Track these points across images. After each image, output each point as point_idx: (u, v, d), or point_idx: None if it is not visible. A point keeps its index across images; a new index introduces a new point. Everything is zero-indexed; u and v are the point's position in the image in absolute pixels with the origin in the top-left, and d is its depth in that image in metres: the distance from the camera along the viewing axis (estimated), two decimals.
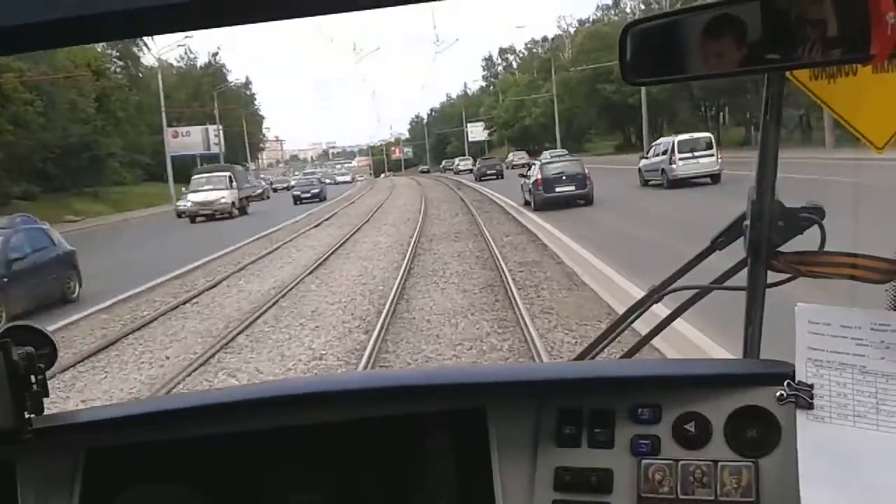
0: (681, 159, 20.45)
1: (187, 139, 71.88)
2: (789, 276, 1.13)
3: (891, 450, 0.89)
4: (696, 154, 20.41)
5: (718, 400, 1.02)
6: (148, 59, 68.40)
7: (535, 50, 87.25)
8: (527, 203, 19.08)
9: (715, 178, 19.39)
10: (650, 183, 21.36)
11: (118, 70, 61.53)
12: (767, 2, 0.91)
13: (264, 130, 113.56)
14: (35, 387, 1.04)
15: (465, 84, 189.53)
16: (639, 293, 1.70)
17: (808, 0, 0.91)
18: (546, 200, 18.14)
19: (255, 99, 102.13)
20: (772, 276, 1.15)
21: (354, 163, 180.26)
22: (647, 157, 22.71)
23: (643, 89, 23.40)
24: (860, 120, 1.38)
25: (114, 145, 45.68)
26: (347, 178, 69.59)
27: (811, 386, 0.96)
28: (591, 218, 15.33)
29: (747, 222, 1.15)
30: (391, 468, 1.07)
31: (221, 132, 68.19)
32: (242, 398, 1.19)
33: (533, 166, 20.85)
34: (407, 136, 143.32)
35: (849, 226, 1.25)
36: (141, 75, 78.81)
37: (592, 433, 1.04)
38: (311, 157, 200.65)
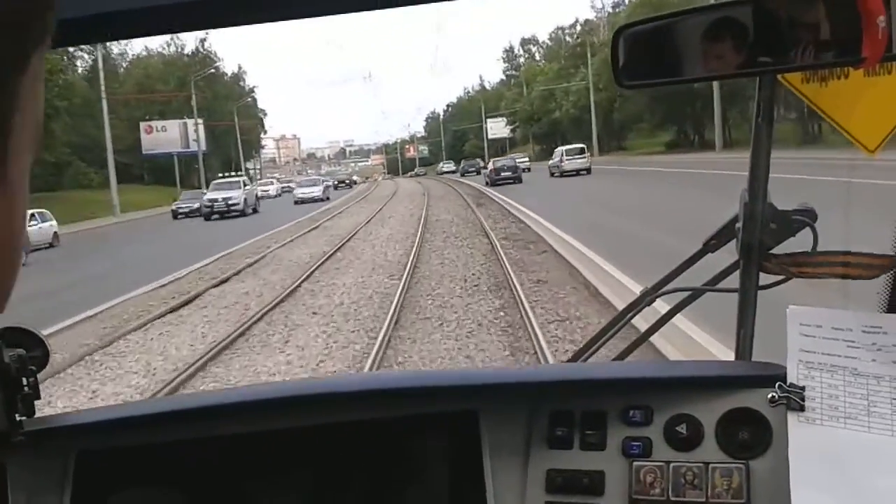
0: (567, 160, 37.04)
1: (163, 135, 59.02)
2: (782, 277, 1.17)
3: (882, 452, 0.92)
4: (575, 157, 36.71)
5: (710, 402, 1.04)
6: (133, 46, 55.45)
7: (562, 35, 74.12)
8: (486, 183, 34.35)
9: (588, 170, 34.87)
10: (553, 175, 36.72)
11: (86, 58, 49.04)
12: (760, 5, 0.95)
13: (267, 128, 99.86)
14: (27, 389, 1.06)
15: (481, 77, 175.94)
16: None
17: (800, 4, 0.95)
18: (494, 181, 33.98)
19: (254, 93, 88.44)
20: (764, 279, 1.19)
21: (370, 161, 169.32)
22: (552, 160, 39.48)
23: None
24: (852, 123, 1.39)
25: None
26: (316, 191, 41.98)
27: (802, 388, 0.98)
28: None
29: (739, 224, 1.18)
30: (383, 471, 1.11)
31: (201, 127, 55.17)
32: (234, 401, 1.22)
33: (490, 162, 40.78)
34: (423, 133, 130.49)
35: (841, 225, 1.29)
36: (127, 65, 65.25)
37: (584, 435, 1.07)
38: (329, 155, 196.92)
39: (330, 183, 56.30)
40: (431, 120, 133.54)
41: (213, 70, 66.16)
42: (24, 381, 1.05)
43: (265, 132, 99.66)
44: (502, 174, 35.07)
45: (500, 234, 14.09)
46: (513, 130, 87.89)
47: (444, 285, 9.54)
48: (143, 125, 60.77)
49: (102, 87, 45.10)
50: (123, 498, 1.11)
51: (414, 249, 12.93)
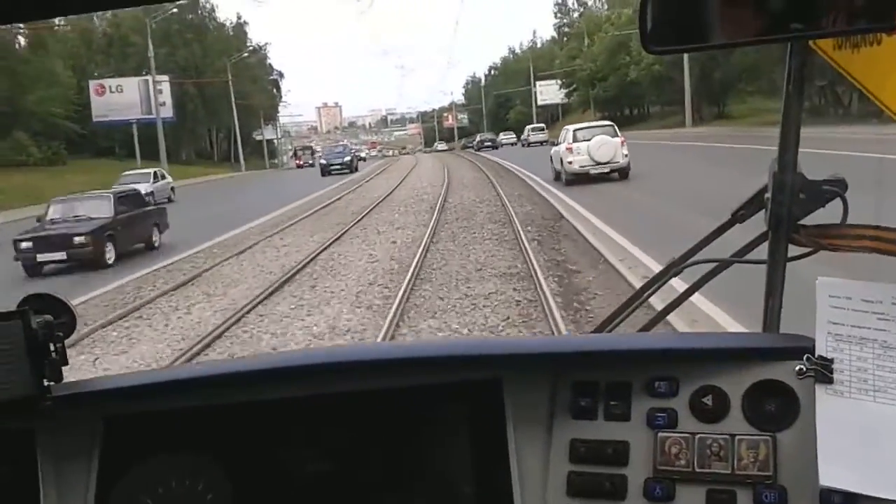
0: (532, 134, 57.93)
1: (118, 98, 41.40)
2: (810, 249, 1.20)
3: None
4: (538, 133, 56.93)
5: (737, 373, 1.08)
6: None
7: None
8: (475, 150, 67.10)
9: (545, 143, 45.61)
10: (523, 146, 58.97)
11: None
12: None
13: (284, 93, 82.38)
14: (54, 355, 1.14)
15: (534, 31, 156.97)
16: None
17: None
18: (479, 148, 67.18)
19: (263, 49, 70.59)
20: (793, 251, 1.23)
21: (407, 130, 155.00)
22: (523, 135, 62.84)
23: None
24: (885, 91, 1.35)
25: None
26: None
27: (831, 360, 1.00)
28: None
29: (768, 195, 1.21)
30: (407, 439, 1.17)
31: (166, 86, 38.06)
32: (260, 368, 1.28)
33: (477, 136, 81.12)
34: (462, 100, 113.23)
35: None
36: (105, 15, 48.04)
37: (608, 406, 1.11)
38: (369, 124, 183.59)
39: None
40: (472, 85, 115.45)
41: (174, 10, 49.66)
42: (52, 347, 1.13)
43: (281, 98, 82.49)
44: (485, 144, 67.52)
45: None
46: (568, 94, 70.05)
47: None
48: (93, 84, 45.56)
49: None
50: (152, 463, 1.18)
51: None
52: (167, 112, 47.38)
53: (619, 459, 1.06)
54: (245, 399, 1.18)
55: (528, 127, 60.42)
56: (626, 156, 18.98)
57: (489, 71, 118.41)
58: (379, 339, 7.15)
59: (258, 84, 74.32)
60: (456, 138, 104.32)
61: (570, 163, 19.23)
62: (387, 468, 1.15)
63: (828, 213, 1.18)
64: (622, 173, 19.00)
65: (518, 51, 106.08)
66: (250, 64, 70.90)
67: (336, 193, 26.33)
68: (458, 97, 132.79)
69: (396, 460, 1.15)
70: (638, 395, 1.09)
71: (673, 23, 0.98)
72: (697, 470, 1.03)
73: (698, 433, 1.04)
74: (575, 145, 19.31)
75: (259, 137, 78.90)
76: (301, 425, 1.18)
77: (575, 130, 20.03)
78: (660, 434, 1.06)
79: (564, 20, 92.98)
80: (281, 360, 1.37)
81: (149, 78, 46.93)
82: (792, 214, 1.17)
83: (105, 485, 1.16)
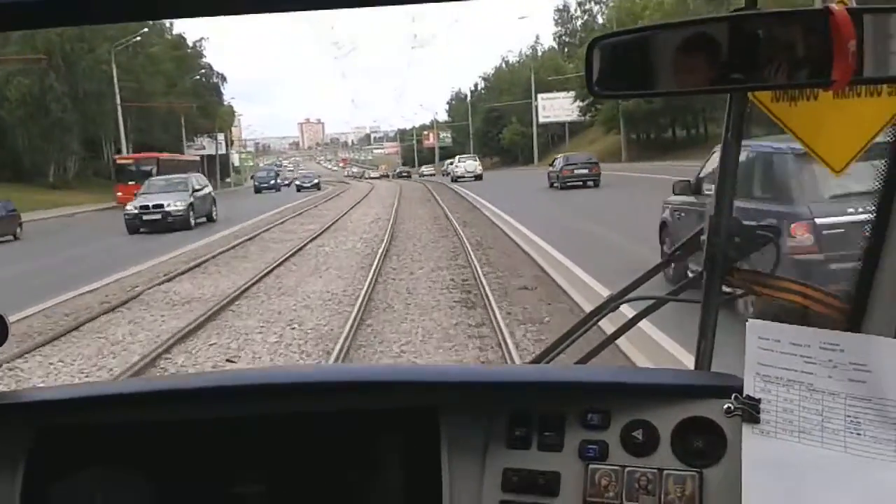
0: (448, 166, 70.86)
1: None
2: (743, 291, 1.30)
3: (834, 467, 1.02)
4: (466, 163, 55.67)
5: (667, 409, 1.17)
6: None
7: None
8: (396, 177, 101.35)
9: (479, 177, 58.94)
10: (444, 175, 78.36)
11: None
12: (734, 23, 1.03)
13: (228, 102, 61.96)
14: None
15: (537, 37, 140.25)
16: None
17: (774, 25, 1.02)
18: (399, 176, 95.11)
19: (197, 47, 49.69)
20: (727, 291, 1.39)
21: (384, 150, 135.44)
22: (443, 167, 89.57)
23: None
24: (820, 143, 1.42)
25: None
26: None
27: (758, 400, 1.06)
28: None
29: (705, 237, 1.28)
30: (341, 463, 1.24)
31: None
32: (198, 386, 1.34)
33: (398, 168, 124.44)
34: (447, 117, 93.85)
35: None
36: None
37: (542, 436, 1.19)
38: (352, 141, 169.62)
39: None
40: (457, 102, 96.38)
41: None
42: None
43: (225, 106, 62.45)
44: (402, 175, 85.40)
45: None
46: (585, 110, 51.05)
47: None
48: None
49: None
50: (82, 476, 1.23)
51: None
52: None
53: (550, 490, 1.12)
54: (180, 416, 1.23)
55: (447, 161, 72.64)
56: (481, 169, 51.95)
57: (475, 86, 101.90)
58: None
59: (179, 86, 55.67)
60: (437, 159, 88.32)
61: (456, 172, 52.08)
62: (320, 492, 1.20)
63: None
64: (478, 178, 48.58)
65: (513, 60, 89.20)
66: (157, 57, 52.43)
67: None
68: (443, 115, 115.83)
69: (329, 484, 1.21)
70: (571, 427, 1.15)
71: (618, 70, 0.99)
72: (626, 503, 1.10)
73: (628, 466, 1.11)
74: (459, 164, 53.49)
75: (198, 151, 59.87)
76: (235, 445, 1.22)
77: (458, 158, 58.02)
78: (591, 466, 1.12)
79: (566, 29, 75.79)
80: (219, 379, 1.39)
81: None
82: (727, 257, 1.23)
83: (31, 496, 1.19)
